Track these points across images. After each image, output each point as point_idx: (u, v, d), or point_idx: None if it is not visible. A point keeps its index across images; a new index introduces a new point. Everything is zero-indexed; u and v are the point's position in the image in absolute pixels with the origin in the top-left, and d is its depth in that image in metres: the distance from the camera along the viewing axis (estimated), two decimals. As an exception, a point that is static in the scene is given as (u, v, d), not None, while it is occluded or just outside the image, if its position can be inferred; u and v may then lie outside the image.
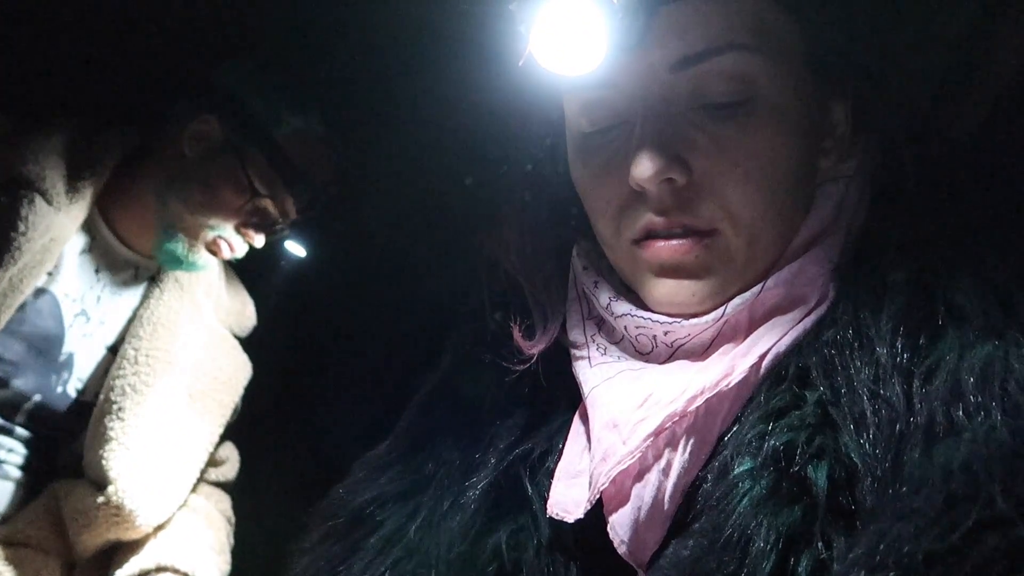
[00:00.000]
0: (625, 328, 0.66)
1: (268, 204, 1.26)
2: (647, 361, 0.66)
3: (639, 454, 0.60)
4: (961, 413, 0.48)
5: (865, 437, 0.51)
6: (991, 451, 0.45)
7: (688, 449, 0.60)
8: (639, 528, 0.61)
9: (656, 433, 0.60)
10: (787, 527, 0.51)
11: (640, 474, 0.61)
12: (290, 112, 1.26)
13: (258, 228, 1.27)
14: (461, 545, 0.66)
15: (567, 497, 0.65)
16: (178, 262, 1.27)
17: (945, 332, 0.52)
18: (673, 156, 0.59)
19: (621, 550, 0.62)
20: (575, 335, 0.71)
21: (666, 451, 0.60)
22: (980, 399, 0.48)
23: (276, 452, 1.60)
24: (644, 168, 0.59)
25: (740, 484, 0.54)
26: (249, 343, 1.49)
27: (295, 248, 1.39)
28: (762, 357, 0.59)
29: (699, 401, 0.59)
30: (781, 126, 0.59)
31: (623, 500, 0.62)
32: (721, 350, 0.61)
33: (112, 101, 1.38)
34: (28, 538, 1.19)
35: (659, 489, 0.61)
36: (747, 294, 0.61)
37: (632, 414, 0.61)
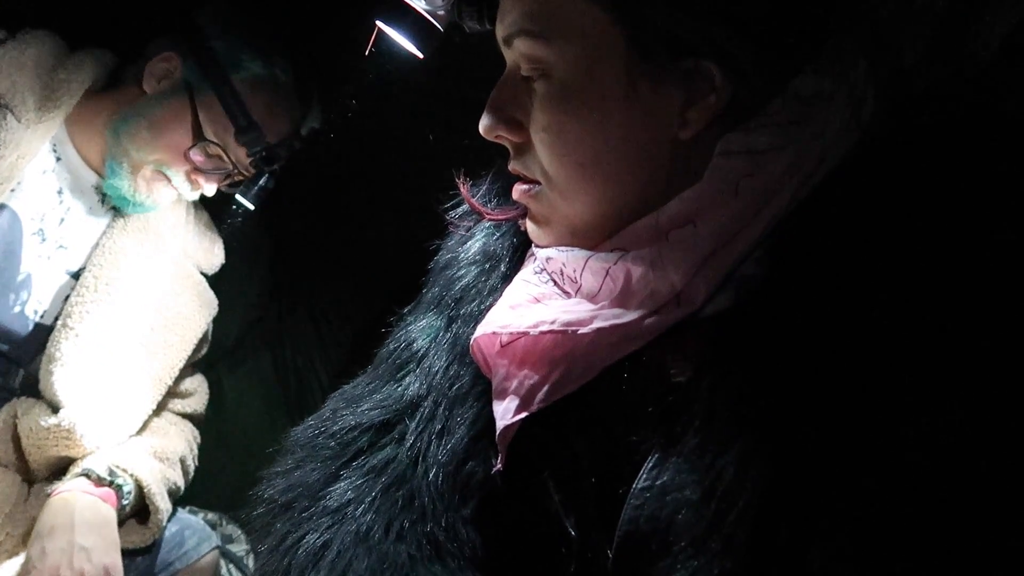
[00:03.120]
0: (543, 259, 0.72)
1: (219, 152, 1.23)
2: (560, 293, 0.70)
3: (518, 335, 0.66)
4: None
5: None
6: None
7: (551, 362, 0.65)
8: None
9: (515, 337, 0.66)
10: (771, 485, 0.51)
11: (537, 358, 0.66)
12: (251, 56, 1.23)
13: (208, 177, 1.25)
14: (451, 471, 0.67)
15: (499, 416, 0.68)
16: (123, 200, 1.25)
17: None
18: (504, 117, 0.67)
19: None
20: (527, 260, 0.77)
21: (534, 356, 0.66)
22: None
23: (248, 385, 1.60)
24: (481, 124, 0.68)
25: (724, 438, 0.54)
26: (220, 278, 1.48)
27: (246, 201, 1.34)
28: (617, 328, 0.62)
29: (543, 329, 0.64)
30: (578, 104, 0.63)
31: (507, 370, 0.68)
32: (603, 303, 0.65)
33: (93, 25, 1.35)
34: (-13, 452, 1.17)
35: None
36: (604, 255, 0.65)
37: (527, 307, 0.68)
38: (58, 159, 1.27)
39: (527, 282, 0.73)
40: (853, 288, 0.53)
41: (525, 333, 0.66)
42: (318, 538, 0.67)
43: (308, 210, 1.56)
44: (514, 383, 0.66)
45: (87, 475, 1.18)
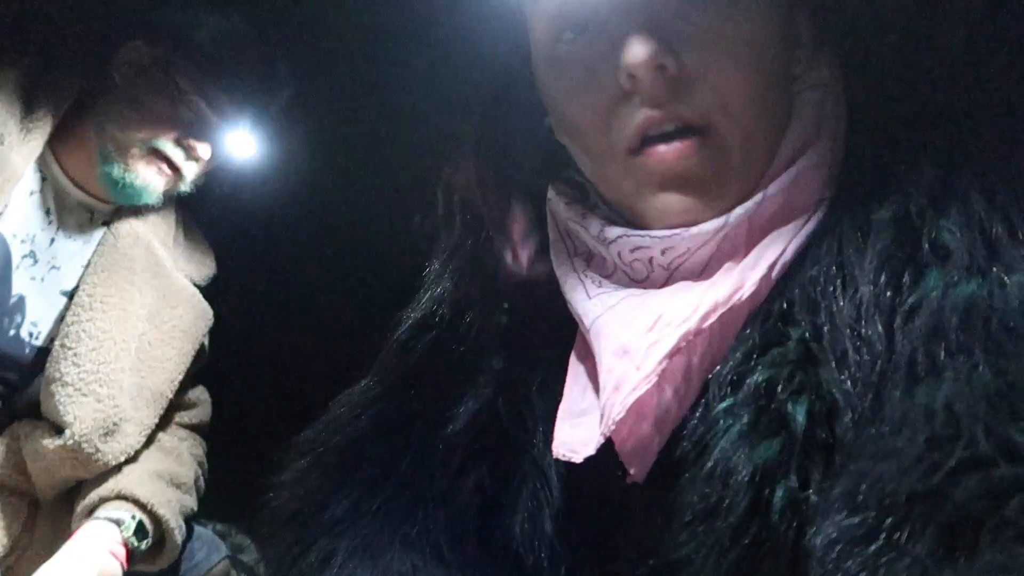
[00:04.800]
0: (619, 255, 0.64)
1: (201, 105, 1.22)
2: (646, 288, 0.63)
3: (655, 378, 0.58)
4: (943, 353, 0.48)
5: (847, 374, 0.51)
6: (973, 391, 0.45)
7: (704, 369, 0.59)
8: (649, 456, 0.61)
9: (671, 354, 0.58)
10: (764, 461, 0.51)
11: (658, 405, 0.60)
12: (207, 13, 1.25)
13: (199, 137, 1.24)
14: (446, 479, 0.67)
15: (573, 437, 0.63)
16: (120, 188, 1.23)
17: (929, 271, 0.51)
18: (665, 42, 0.57)
19: (639, 477, 0.61)
20: (564, 273, 0.69)
21: (681, 376, 0.60)
22: (962, 339, 0.48)
23: (248, 394, 1.60)
24: (637, 52, 0.56)
25: (721, 420, 0.55)
26: (215, 287, 1.48)
27: (244, 146, 1.32)
28: (771, 267, 0.57)
29: (712, 318, 0.57)
30: (763, 18, 0.59)
31: (640, 433, 0.60)
32: (725, 267, 0.59)
33: (60, 42, 1.34)
34: (-9, 478, 1.18)
35: (673, 414, 0.60)
36: (749, 204, 0.59)
37: (643, 338, 0.59)
38: (44, 179, 1.26)
39: (607, 297, 0.65)
40: None
41: (684, 341, 0.58)
42: (324, 546, 0.67)
43: (309, 209, 1.56)
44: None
45: (117, 523, 1.19)
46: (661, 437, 0.60)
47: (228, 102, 1.24)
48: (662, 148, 0.59)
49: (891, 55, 0.61)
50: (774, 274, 0.58)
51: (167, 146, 1.22)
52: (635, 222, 0.65)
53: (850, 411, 0.51)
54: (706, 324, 0.58)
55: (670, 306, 0.60)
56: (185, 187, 1.30)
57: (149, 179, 1.23)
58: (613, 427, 0.59)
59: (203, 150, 1.24)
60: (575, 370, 0.67)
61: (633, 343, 0.59)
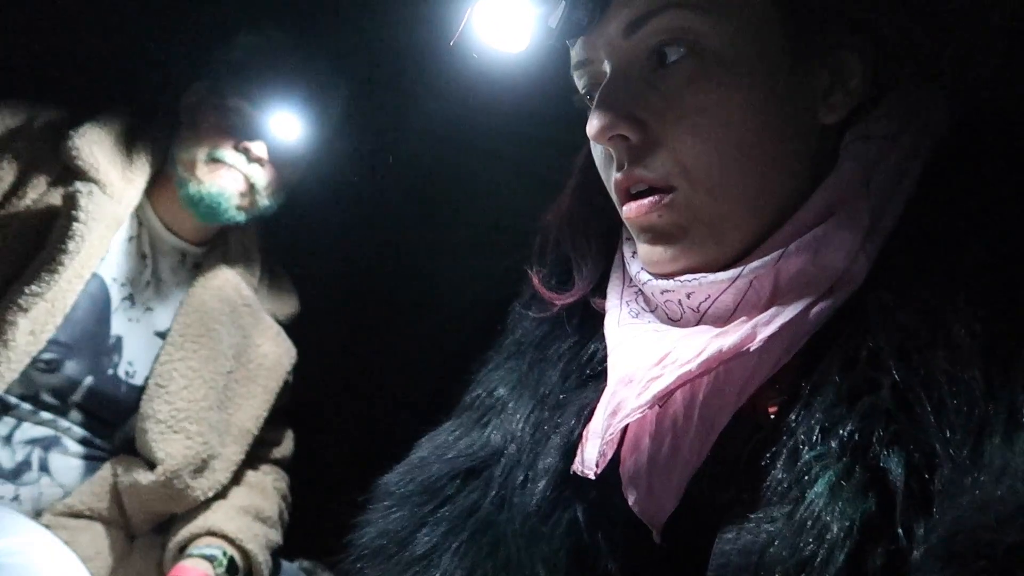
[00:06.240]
0: (654, 295, 0.67)
1: (245, 106, 1.28)
2: (681, 327, 0.65)
3: (647, 409, 0.60)
4: None
5: (944, 423, 0.49)
6: None
7: (704, 414, 0.59)
8: (654, 488, 0.61)
9: (667, 392, 0.59)
10: (862, 515, 0.50)
11: (655, 433, 0.61)
12: (246, 34, 1.33)
13: (251, 136, 1.28)
14: (535, 519, 0.66)
15: (589, 455, 0.64)
16: (199, 202, 1.28)
17: None
18: (624, 114, 0.61)
19: (635, 508, 0.61)
20: (612, 299, 0.72)
21: (682, 412, 0.60)
22: None
23: (333, 432, 1.64)
24: (592, 125, 0.62)
25: (812, 470, 0.53)
26: (301, 328, 1.53)
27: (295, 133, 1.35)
28: (784, 327, 0.57)
29: (713, 364, 0.58)
30: (733, 80, 0.59)
31: (636, 458, 0.62)
32: (744, 317, 0.60)
33: (146, 91, 1.44)
34: (91, 510, 1.24)
35: (674, 450, 0.60)
36: (766, 258, 0.60)
37: (648, 371, 0.61)
38: (140, 224, 1.33)
39: (634, 328, 0.67)
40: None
41: (682, 382, 0.60)
42: None
43: (395, 250, 1.60)
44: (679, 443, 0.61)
45: (210, 559, 1.24)
46: (680, 474, 0.60)
47: (271, 98, 1.29)
48: (633, 204, 0.64)
49: (989, 85, 0.60)
50: (789, 333, 0.58)
51: (227, 154, 1.28)
52: None
53: (949, 463, 0.49)
54: (705, 370, 0.59)
55: (681, 345, 0.61)
56: (264, 200, 1.34)
57: (221, 186, 1.28)
58: (604, 448, 0.62)
59: (258, 148, 1.29)
60: (606, 392, 0.67)
61: (638, 374, 0.62)
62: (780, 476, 0.55)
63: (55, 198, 1.21)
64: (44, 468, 1.23)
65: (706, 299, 0.63)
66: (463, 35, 0.76)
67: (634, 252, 0.70)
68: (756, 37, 0.60)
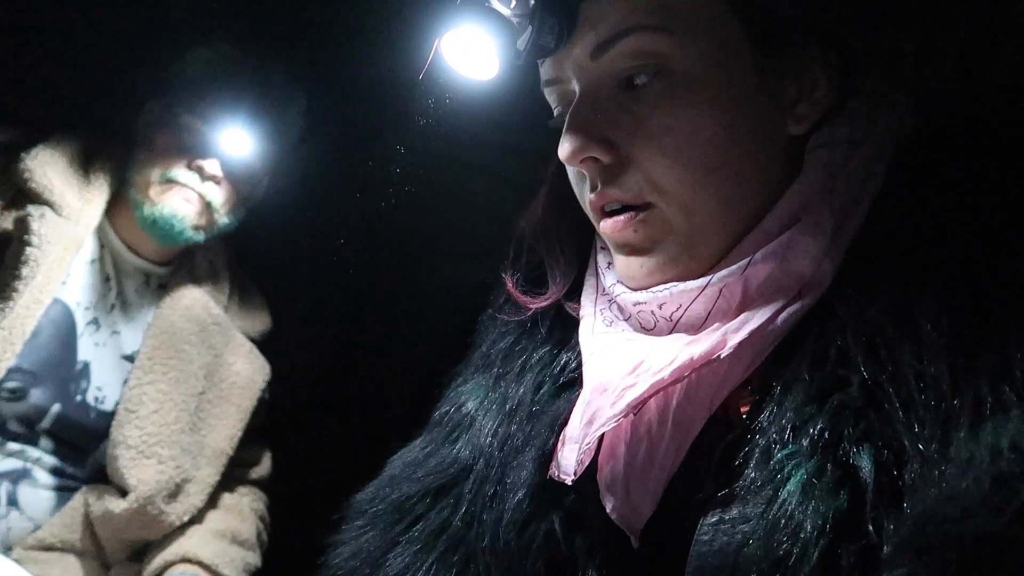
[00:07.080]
0: (627, 307, 0.68)
1: (197, 124, 1.26)
2: (655, 335, 0.66)
3: (622, 418, 0.60)
4: (1008, 390, 0.47)
5: (912, 418, 0.50)
6: None
7: (678, 421, 0.60)
8: (630, 494, 0.61)
9: (641, 400, 0.60)
10: (835, 512, 0.50)
11: (630, 440, 0.62)
12: (193, 50, 1.31)
13: (203, 154, 1.26)
14: (508, 535, 0.66)
15: (567, 460, 0.64)
16: (154, 224, 1.26)
17: (992, 307, 0.50)
18: (595, 136, 0.62)
19: (613, 515, 0.62)
20: (586, 307, 0.72)
21: (656, 419, 0.61)
22: None
23: (308, 449, 1.62)
24: (563, 149, 0.63)
25: (784, 468, 0.53)
26: (273, 344, 1.51)
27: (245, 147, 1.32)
28: (754, 333, 0.58)
29: (685, 372, 0.59)
30: (701, 100, 0.60)
31: (613, 465, 0.62)
32: (715, 325, 0.62)
33: (101, 112, 1.41)
34: (63, 542, 1.22)
35: (649, 457, 0.60)
36: (734, 267, 0.61)
37: (622, 380, 0.62)
38: (102, 247, 1.31)
39: (608, 336, 0.68)
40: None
41: (655, 391, 0.60)
42: None
43: (360, 264, 1.58)
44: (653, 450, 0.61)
45: (198, 562, 1.23)
46: (656, 479, 0.60)
47: (223, 114, 1.27)
48: (608, 221, 0.65)
49: (947, 90, 0.60)
50: (757, 339, 0.59)
51: (180, 173, 1.26)
52: None
53: (918, 457, 0.49)
54: (677, 378, 0.59)
55: (654, 354, 0.62)
56: (223, 219, 1.32)
57: (175, 207, 1.26)
58: (582, 456, 0.63)
59: (211, 166, 1.27)
60: (580, 398, 0.68)
61: (612, 382, 0.63)
62: (753, 475, 0.55)
63: (8, 222, 1.19)
64: (12, 502, 1.20)
65: (678, 308, 0.64)
66: (432, 63, 0.75)
67: (609, 263, 0.71)
68: (723, 56, 0.61)
